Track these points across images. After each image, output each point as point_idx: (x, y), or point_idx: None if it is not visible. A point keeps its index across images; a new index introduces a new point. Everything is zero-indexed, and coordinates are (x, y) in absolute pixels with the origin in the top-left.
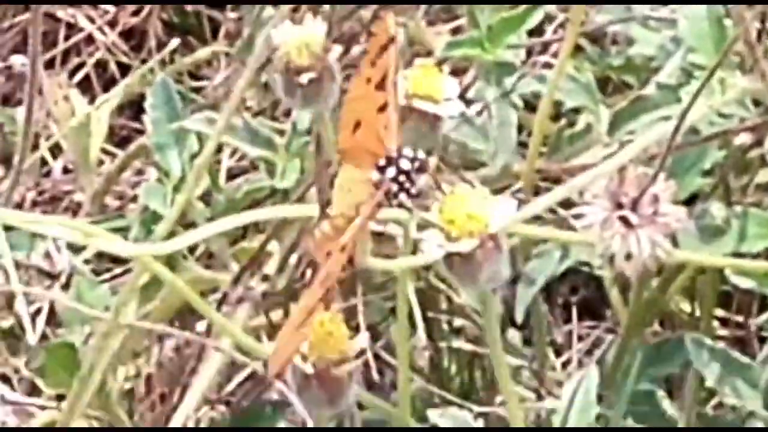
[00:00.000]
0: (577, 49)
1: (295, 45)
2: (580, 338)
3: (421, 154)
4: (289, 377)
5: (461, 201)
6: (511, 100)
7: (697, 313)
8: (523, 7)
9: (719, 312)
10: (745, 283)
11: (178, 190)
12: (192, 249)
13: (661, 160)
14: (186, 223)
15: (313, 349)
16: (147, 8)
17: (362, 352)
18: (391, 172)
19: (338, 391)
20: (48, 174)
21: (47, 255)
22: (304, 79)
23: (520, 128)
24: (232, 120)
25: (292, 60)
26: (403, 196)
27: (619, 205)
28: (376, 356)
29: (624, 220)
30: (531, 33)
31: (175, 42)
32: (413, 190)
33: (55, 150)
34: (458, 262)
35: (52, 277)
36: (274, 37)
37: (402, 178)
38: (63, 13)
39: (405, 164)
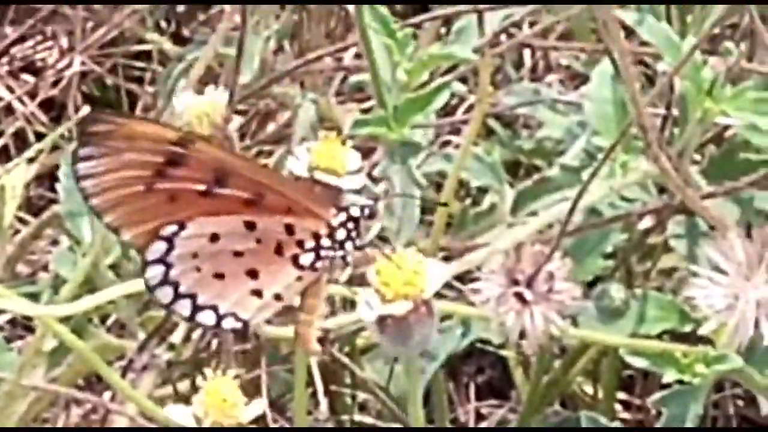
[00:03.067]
0: (489, 132)
1: (196, 114)
2: (484, 417)
3: (370, 202)
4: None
5: (398, 265)
6: (415, 178)
7: (600, 395)
8: (428, 89)
9: (621, 395)
10: (640, 363)
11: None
12: (103, 319)
13: (557, 239)
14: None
15: (207, 414)
16: (66, 80)
17: (258, 419)
18: (342, 217)
19: None
20: None
21: None
22: None
23: (427, 208)
24: None
25: (193, 129)
26: (349, 245)
27: (515, 282)
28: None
29: (519, 296)
30: (441, 114)
31: (87, 109)
32: (358, 241)
33: None
34: (390, 325)
35: None
36: (177, 106)
37: (351, 225)
38: None
39: (355, 212)
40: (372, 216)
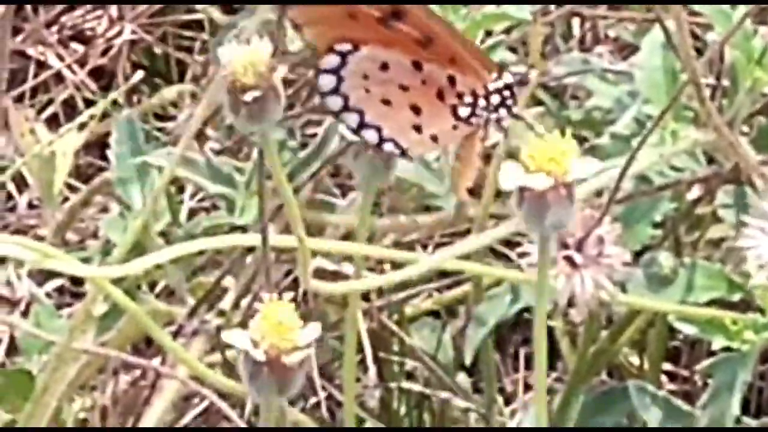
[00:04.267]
0: (538, 103)
1: (241, 64)
2: (530, 387)
3: (523, 69)
4: (240, 364)
5: (548, 144)
6: None
7: (646, 366)
8: (482, 47)
9: (667, 366)
10: (689, 330)
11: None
12: (152, 286)
13: (606, 204)
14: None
15: (264, 337)
16: (116, 48)
17: (312, 344)
18: (499, 83)
19: (287, 379)
20: (13, 209)
21: (8, 283)
22: (248, 97)
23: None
24: (193, 157)
25: (237, 79)
26: (503, 111)
27: (565, 245)
28: (329, 396)
29: (569, 259)
30: None
31: (140, 74)
32: (514, 108)
33: (22, 184)
34: (528, 199)
35: (12, 304)
36: (221, 57)
37: (507, 93)
38: (33, 50)
39: (508, 78)
40: (524, 83)
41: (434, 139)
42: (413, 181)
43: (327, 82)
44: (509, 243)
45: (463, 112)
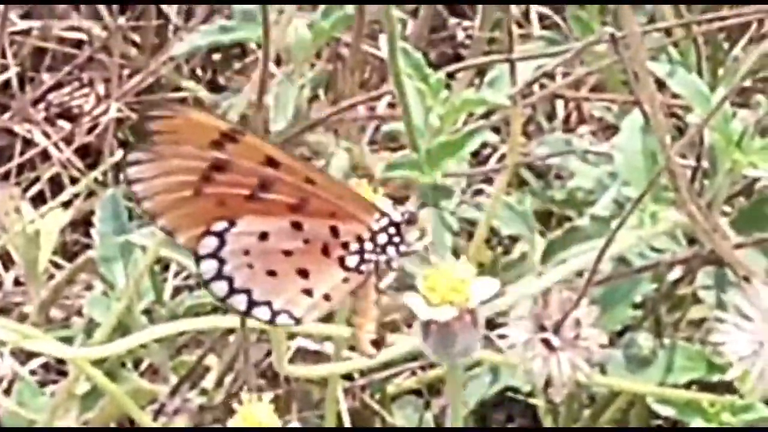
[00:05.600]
0: (522, 182)
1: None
2: None
3: (412, 208)
4: None
5: (446, 272)
6: (447, 222)
7: None
8: (461, 133)
9: None
10: (667, 411)
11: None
12: (137, 363)
13: (584, 286)
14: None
15: None
16: (102, 126)
17: None
18: (383, 222)
19: None
20: None
21: None
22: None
23: (457, 255)
24: None
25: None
26: (391, 250)
27: (542, 328)
28: None
29: (546, 342)
30: (474, 163)
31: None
32: (402, 246)
33: (8, 262)
34: (435, 331)
35: None
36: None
37: (392, 230)
38: (19, 128)
39: (396, 216)
40: (412, 222)
41: (327, 298)
42: None
43: (209, 268)
44: (489, 324)
45: (352, 261)
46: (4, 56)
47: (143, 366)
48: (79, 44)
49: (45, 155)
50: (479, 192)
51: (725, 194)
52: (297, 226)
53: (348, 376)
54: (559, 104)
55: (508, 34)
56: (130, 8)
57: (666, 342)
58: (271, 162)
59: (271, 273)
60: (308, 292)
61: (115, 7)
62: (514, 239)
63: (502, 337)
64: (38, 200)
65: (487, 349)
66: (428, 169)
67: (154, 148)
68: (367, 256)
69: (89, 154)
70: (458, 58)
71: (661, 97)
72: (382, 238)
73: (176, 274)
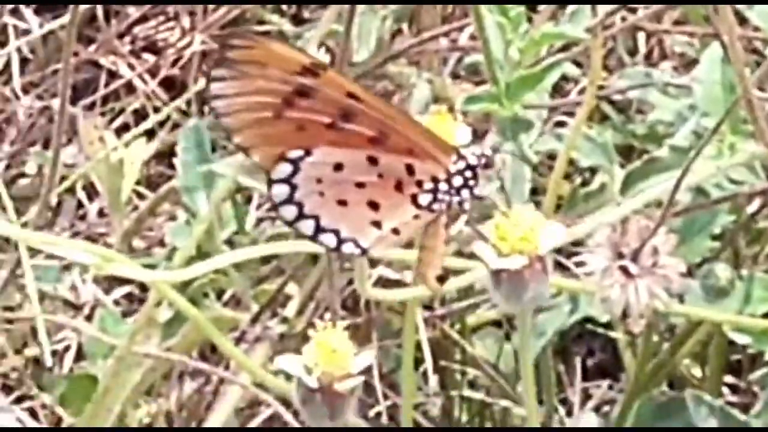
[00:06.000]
0: (604, 117)
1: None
2: (591, 397)
3: (488, 151)
4: (293, 391)
5: (515, 220)
6: (525, 155)
7: (708, 378)
8: (540, 66)
9: (729, 379)
10: (743, 340)
11: (204, 230)
12: (220, 295)
13: (662, 214)
14: None
15: (318, 364)
16: (187, 58)
17: (366, 370)
18: (460, 164)
19: (340, 406)
20: (84, 217)
21: (73, 288)
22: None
23: (538, 187)
24: None
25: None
26: (465, 192)
27: (620, 255)
28: (394, 405)
29: (624, 269)
30: (554, 95)
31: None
32: (476, 190)
33: (93, 193)
34: (505, 279)
35: (77, 308)
36: None
37: (468, 173)
38: (105, 60)
39: (472, 160)
40: (488, 166)
41: (396, 232)
42: None
43: (280, 192)
44: (567, 253)
45: (424, 199)
46: None
47: (226, 297)
48: None
49: (130, 87)
50: (560, 124)
51: None
52: (373, 160)
53: (428, 307)
54: (641, 39)
55: None
56: None
57: (744, 273)
58: (352, 97)
59: (342, 202)
60: (377, 225)
61: None
62: (593, 171)
63: (580, 264)
64: (123, 132)
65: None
66: (507, 102)
67: (240, 66)
68: (440, 196)
69: (174, 87)
70: None
71: (741, 30)
72: (457, 181)
73: (259, 206)
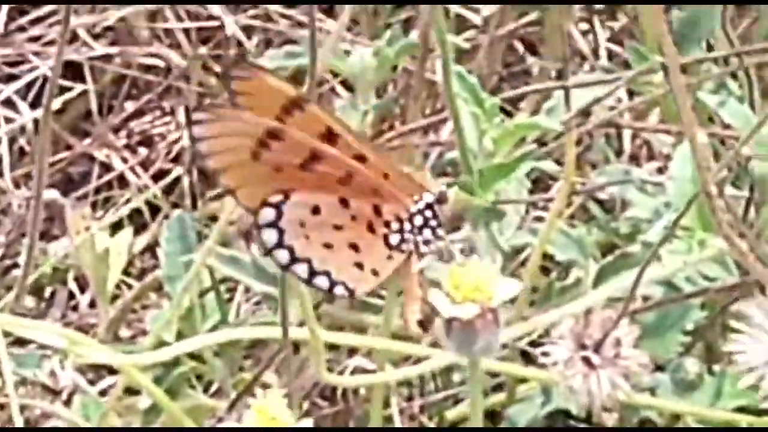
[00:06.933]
0: (590, 215)
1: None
2: None
3: (444, 188)
4: None
5: (470, 271)
6: (498, 243)
7: None
8: (513, 156)
9: None
10: None
11: (186, 319)
12: (206, 388)
13: (624, 306)
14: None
15: None
16: (174, 153)
17: None
18: (420, 204)
19: None
20: (76, 307)
21: (52, 373)
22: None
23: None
24: (240, 257)
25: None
26: (427, 232)
27: (583, 346)
28: None
29: (586, 360)
30: (538, 191)
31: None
32: (439, 230)
33: (85, 284)
34: (457, 328)
35: (56, 393)
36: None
37: (428, 213)
38: (98, 153)
39: (428, 197)
40: (441, 201)
41: (375, 273)
42: None
43: (269, 237)
44: (533, 342)
45: (394, 239)
46: (84, 82)
47: (213, 389)
48: (155, 70)
49: (123, 180)
50: (540, 219)
51: None
52: (344, 202)
53: (408, 398)
54: (627, 138)
55: (564, 62)
56: (210, 37)
57: (715, 369)
58: (331, 133)
59: (327, 245)
60: (359, 266)
61: (194, 35)
62: (570, 265)
63: (544, 354)
64: (115, 224)
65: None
66: (481, 191)
67: (215, 110)
68: (406, 236)
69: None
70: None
71: (715, 127)
72: (418, 220)
73: (247, 297)
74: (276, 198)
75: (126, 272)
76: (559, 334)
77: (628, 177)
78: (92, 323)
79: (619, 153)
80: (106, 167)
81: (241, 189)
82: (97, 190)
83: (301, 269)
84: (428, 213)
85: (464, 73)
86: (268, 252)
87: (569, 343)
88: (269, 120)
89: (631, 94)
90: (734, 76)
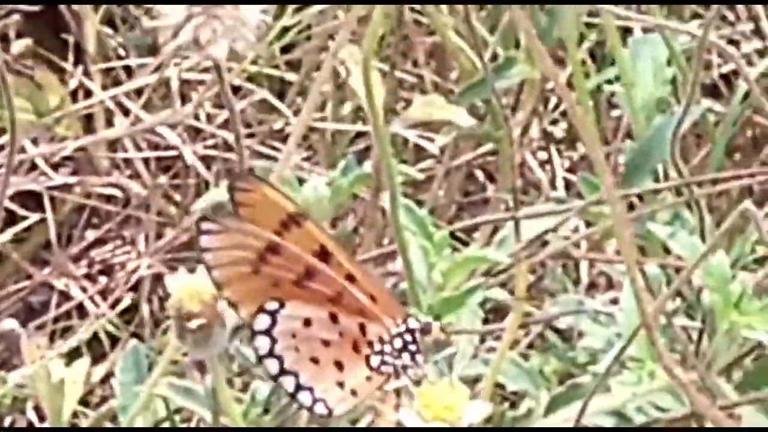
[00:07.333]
0: (546, 342)
1: (187, 292)
2: None
3: (428, 319)
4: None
5: (441, 391)
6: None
7: None
8: (462, 289)
9: None
10: None
11: None
12: None
13: None
14: None
15: None
16: (133, 281)
17: None
18: (401, 327)
19: None
20: None
21: None
22: (194, 324)
23: None
24: (195, 387)
25: (183, 306)
26: (406, 356)
27: None
28: None
29: None
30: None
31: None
32: (418, 356)
33: (44, 414)
34: None
35: None
36: (168, 285)
37: (408, 337)
38: (57, 282)
39: (412, 324)
40: (425, 332)
41: (354, 393)
42: None
43: (262, 344)
44: None
45: (375, 361)
46: (44, 211)
47: None
48: (114, 200)
49: (83, 310)
50: (494, 350)
51: (730, 356)
52: (334, 318)
53: None
54: (584, 267)
55: (513, 194)
56: (170, 166)
57: None
58: (324, 251)
59: (314, 360)
60: (341, 385)
61: (153, 165)
62: (521, 395)
63: None
64: (74, 354)
65: None
66: None
67: (222, 221)
68: (386, 358)
69: (126, 309)
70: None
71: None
72: (397, 343)
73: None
74: (272, 306)
75: (85, 402)
76: None
77: (581, 307)
78: None
79: (576, 282)
80: (66, 296)
81: (242, 303)
82: (56, 320)
83: (288, 382)
84: (408, 337)
85: (412, 206)
86: (260, 359)
87: None
88: (270, 234)
89: (588, 224)
90: (689, 206)
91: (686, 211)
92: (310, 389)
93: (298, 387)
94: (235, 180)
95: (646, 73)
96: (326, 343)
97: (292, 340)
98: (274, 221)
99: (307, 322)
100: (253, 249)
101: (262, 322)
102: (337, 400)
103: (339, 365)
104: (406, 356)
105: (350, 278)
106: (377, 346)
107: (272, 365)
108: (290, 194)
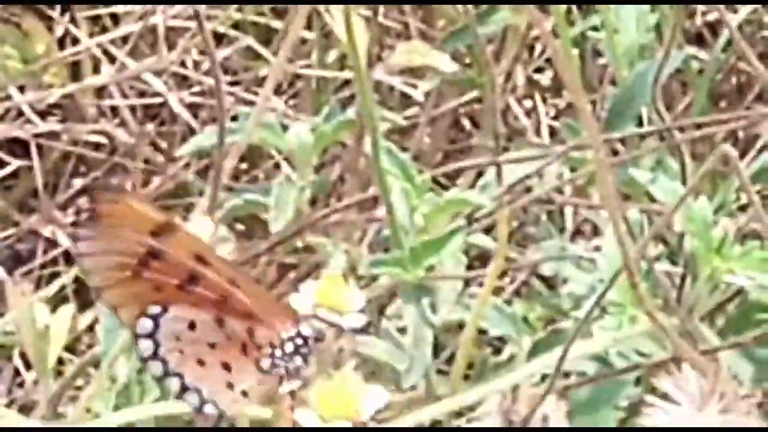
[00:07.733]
0: (530, 290)
1: None
2: None
3: (323, 327)
4: None
5: (337, 385)
6: (428, 319)
7: None
8: (445, 231)
9: None
10: None
11: (123, 396)
12: None
13: (550, 381)
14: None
15: None
16: None
17: None
18: (292, 332)
19: None
20: (22, 384)
21: None
22: None
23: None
24: None
25: None
26: (297, 360)
27: (510, 422)
28: None
29: None
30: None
31: None
32: (310, 357)
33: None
34: None
35: None
36: None
37: (300, 341)
38: (44, 229)
39: (305, 330)
40: (319, 339)
41: (245, 394)
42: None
43: (146, 347)
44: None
45: (265, 363)
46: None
47: None
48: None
49: (69, 257)
50: (475, 296)
51: (712, 302)
52: (220, 322)
53: None
54: (569, 212)
55: (495, 138)
56: (157, 114)
57: None
58: (202, 259)
59: (201, 362)
60: (230, 386)
61: (140, 113)
62: (504, 340)
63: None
64: (61, 302)
65: None
66: (411, 267)
67: (99, 227)
68: (277, 361)
69: None
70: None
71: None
72: (289, 347)
73: None
74: (154, 310)
75: (72, 349)
76: (486, 410)
77: (563, 253)
78: (38, 400)
79: (562, 229)
80: (53, 243)
81: (121, 307)
82: (43, 266)
83: (173, 383)
84: (299, 341)
85: (394, 150)
86: (143, 362)
87: (497, 419)
88: (150, 239)
89: (573, 171)
90: (673, 153)
91: (671, 158)
92: (198, 390)
93: (184, 388)
94: (97, 194)
95: (629, 19)
96: (212, 346)
97: (177, 343)
98: (143, 232)
99: (192, 326)
100: (133, 254)
101: (144, 325)
102: (228, 401)
103: (226, 367)
104: (298, 359)
105: (233, 284)
106: (267, 350)
107: (156, 367)
108: (273, 140)
